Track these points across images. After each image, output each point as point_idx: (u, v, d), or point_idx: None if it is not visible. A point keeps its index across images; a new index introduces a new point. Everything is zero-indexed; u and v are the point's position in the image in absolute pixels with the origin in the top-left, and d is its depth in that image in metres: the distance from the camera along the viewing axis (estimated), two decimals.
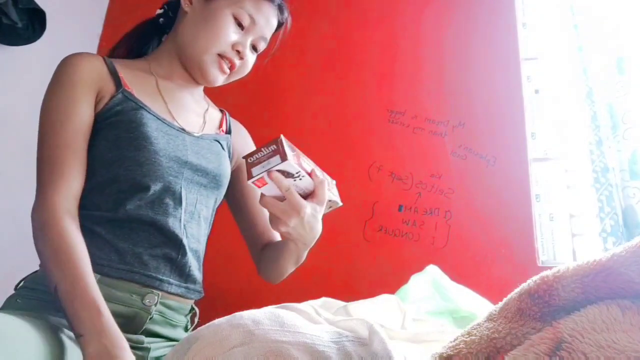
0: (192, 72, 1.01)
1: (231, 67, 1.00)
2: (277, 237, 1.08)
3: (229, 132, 1.12)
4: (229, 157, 1.08)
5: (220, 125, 1.11)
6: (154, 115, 0.93)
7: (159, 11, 1.09)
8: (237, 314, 0.61)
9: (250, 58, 1.03)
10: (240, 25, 0.98)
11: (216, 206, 1.05)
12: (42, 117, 0.88)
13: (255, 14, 0.99)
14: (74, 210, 0.83)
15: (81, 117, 0.88)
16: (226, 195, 1.11)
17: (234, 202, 1.13)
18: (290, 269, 1.00)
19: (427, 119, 1.86)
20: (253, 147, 1.16)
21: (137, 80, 0.97)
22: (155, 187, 0.90)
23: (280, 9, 1.04)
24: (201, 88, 1.10)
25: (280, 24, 1.07)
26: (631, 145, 1.55)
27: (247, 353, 0.53)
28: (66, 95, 0.88)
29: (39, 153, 0.86)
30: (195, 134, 1.00)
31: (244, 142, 1.16)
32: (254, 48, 1.03)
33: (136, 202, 0.88)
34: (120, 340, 0.71)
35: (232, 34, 0.97)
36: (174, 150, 0.93)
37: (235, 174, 1.11)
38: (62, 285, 0.74)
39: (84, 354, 0.69)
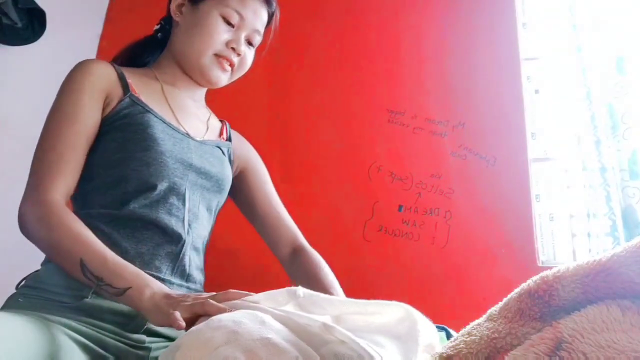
0: (195, 77, 1.04)
1: (231, 65, 1.03)
2: (302, 240, 1.10)
3: (228, 140, 1.15)
4: (230, 163, 1.10)
5: (221, 134, 1.14)
6: (160, 119, 0.96)
7: (157, 27, 1.11)
8: (214, 317, 0.60)
9: (248, 53, 1.06)
10: (229, 23, 1.01)
11: (218, 209, 1.06)
12: (48, 118, 0.91)
13: (242, 9, 1.01)
14: (66, 207, 0.86)
15: (86, 121, 0.90)
16: (238, 204, 1.14)
17: (247, 209, 1.15)
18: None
19: (427, 119, 1.86)
20: (256, 154, 1.19)
21: (144, 86, 1.00)
22: (162, 187, 0.92)
23: (267, 1, 1.06)
24: (203, 92, 1.13)
25: (270, 16, 1.09)
26: (631, 145, 1.56)
27: (235, 349, 0.53)
28: (74, 100, 0.90)
29: (39, 150, 0.88)
30: (198, 139, 1.02)
31: (246, 149, 1.18)
32: (249, 43, 1.06)
33: (141, 201, 0.90)
34: (147, 278, 0.77)
35: (224, 33, 1.00)
36: (179, 152, 0.95)
37: (241, 179, 1.14)
38: (88, 256, 0.78)
39: (141, 303, 0.75)
